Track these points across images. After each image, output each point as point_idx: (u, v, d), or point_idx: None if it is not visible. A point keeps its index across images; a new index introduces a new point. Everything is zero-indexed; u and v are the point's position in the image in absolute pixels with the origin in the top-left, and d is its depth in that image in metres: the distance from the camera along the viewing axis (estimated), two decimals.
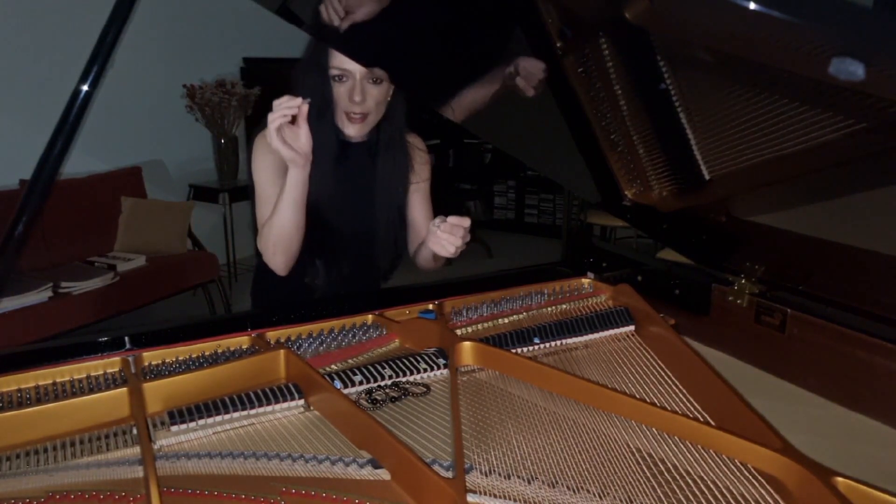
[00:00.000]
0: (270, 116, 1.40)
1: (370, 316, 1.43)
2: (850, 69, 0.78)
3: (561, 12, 1.22)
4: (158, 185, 4.78)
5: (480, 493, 0.91)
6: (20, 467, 0.98)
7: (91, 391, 1.14)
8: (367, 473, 0.96)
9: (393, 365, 1.25)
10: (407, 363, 1.25)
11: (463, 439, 1.00)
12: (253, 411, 1.11)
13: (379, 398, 1.17)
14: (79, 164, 4.16)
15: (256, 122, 1.72)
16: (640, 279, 1.58)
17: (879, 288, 1.21)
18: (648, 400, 1.13)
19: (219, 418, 1.08)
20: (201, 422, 1.08)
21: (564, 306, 1.50)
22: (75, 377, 1.19)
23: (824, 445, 1.04)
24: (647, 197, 1.48)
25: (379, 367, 1.24)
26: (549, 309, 1.50)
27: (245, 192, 1.90)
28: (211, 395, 1.13)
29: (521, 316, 1.47)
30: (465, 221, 1.44)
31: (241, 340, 1.30)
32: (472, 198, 6.93)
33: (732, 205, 1.36)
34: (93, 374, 1.20)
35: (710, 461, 0.99)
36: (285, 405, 1.13)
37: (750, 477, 0.95)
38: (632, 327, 1.39)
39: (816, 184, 1.18)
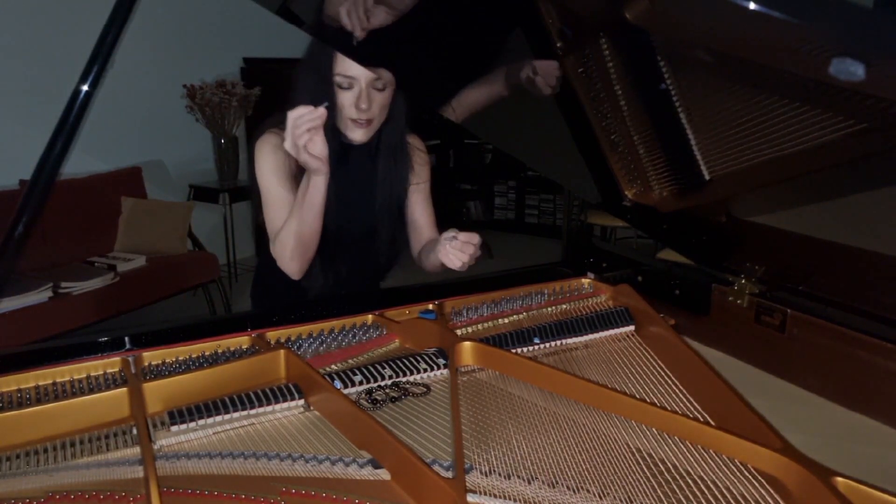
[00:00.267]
0: (296, 132, 1.40)
1: (370, 316, 1.43)
2: (850, 69, 0.78)
3: (561, 12, 1.22)
4: (158, 186, 4.78)
5: (480, 493, 0.91)
6: (20, 467, 0.98)
7: (91, 391, 1.14)
8: (367, 473, 0.96)
9: (393, 365, 1.25)
10: (407, 363, 1.25)
11: (463, 439, 1.00)
12: (253, 411, 1.11)
13: (379, 398, 1.17)
14: (79, 164, 4.16)
15: (257, 123, 1.72)
16: (641, 279, 1.58)
17: (880, 288, 1.21)
18: (648, 400, 1.13)
19: (219, 418, 1.08)
20: (201, 422, 1.08)
21: (564, 306, 1.51)
22: (75, 377, 1.19)
23: (824, 445, 1.04)
24: (647, 197, 1.48)
25: (379, 368, 1.24)
26: (550, 309, 1.50)
27: (245, 193, 1.89)
28: (211, 395, 1.13)
29: (521, 316, 1.47)
30: (476, 238, 1.46)
31: (242, 340, 1.30)
32: (472, 198, 6.93)
33: (732, 205, 1.36)
34: (93, 374, 1.20)
35: (710, 461, 0.99)
36: (285, 405, 1.13)
37: (750, 477, 0.95)
38: (632, 327, 1.39)
39: (816, 184, 1.18)
